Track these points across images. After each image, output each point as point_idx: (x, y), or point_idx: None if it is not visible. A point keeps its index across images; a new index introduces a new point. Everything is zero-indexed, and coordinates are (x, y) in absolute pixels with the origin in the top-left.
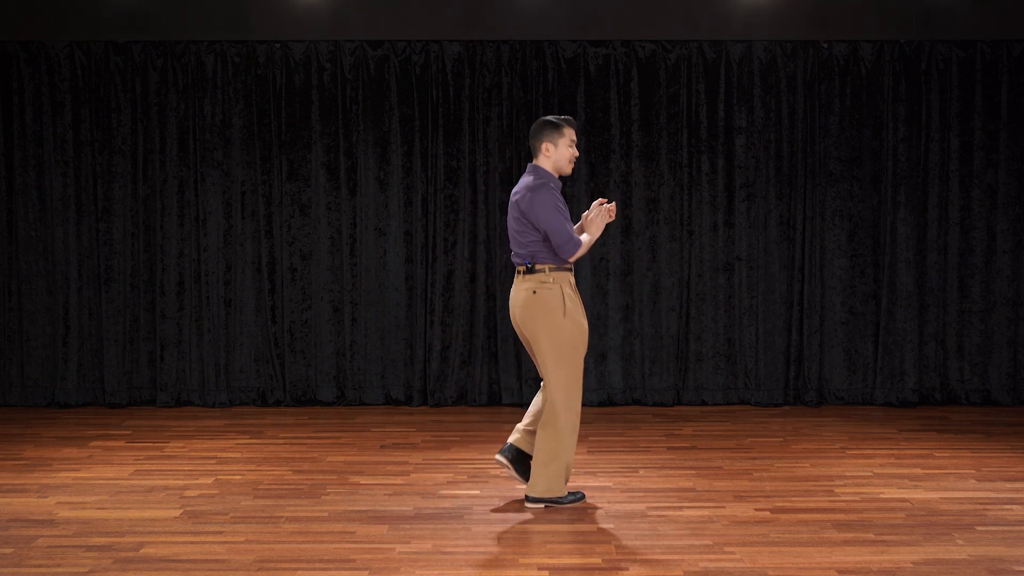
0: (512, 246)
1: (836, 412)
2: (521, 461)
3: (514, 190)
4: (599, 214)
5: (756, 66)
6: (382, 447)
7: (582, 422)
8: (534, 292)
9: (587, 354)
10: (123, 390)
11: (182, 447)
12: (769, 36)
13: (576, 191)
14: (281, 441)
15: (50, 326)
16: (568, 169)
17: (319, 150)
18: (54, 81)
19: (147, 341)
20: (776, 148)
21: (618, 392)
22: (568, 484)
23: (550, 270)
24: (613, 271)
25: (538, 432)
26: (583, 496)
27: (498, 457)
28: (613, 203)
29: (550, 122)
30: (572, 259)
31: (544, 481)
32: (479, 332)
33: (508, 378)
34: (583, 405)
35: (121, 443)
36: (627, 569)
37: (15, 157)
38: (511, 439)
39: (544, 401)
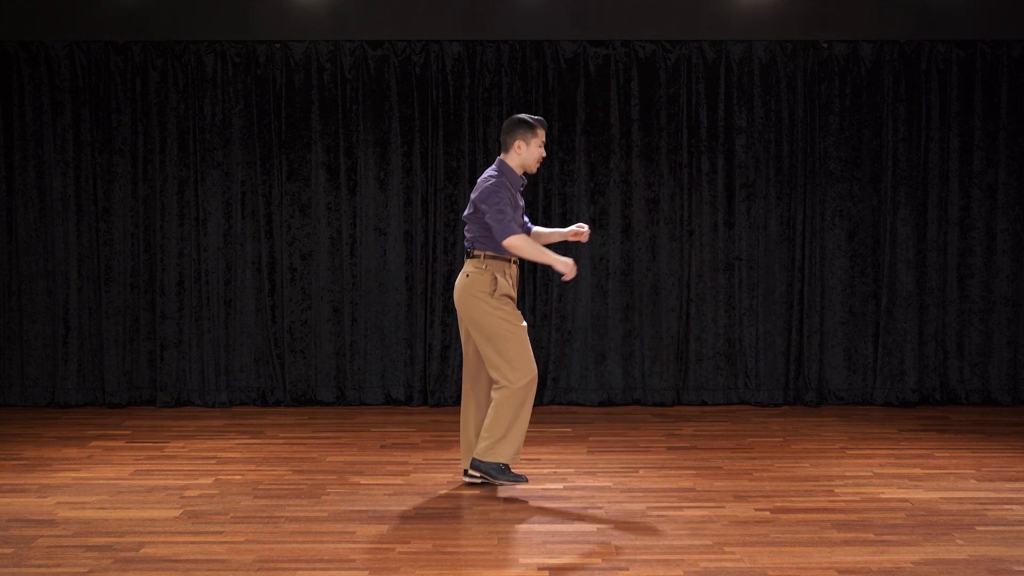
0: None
1: (836, 412)
2: None
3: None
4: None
5: (756, 66)
6: (382, 447)
7: (582, 422)
8: (467, 276)
9: (587, 354)
10: (123, 390)
11: (182, 447)
12: (769, 36)
13: (576, 191)
14: (281, 441)
15: (50, 326)
16: (534, 168)
17: (319, 150)
18: (54, 81)
19: (147, 341)
20: (776, 148)
21: (618, 392)
22: (517, 469)
23: (485, 257)
24: (613, 271)
25: (493, 404)
26: (525, 479)
27: (468, 474)
28: (586, 228)
29: (525, 121)
30: (511, 249)
31: (502, 447)
32: None
33: None
34: (581, 405)
35: (121, 443)
36: (627, 569)
37: (15, 157)
38: (463, 464)
39: (492, 383)
